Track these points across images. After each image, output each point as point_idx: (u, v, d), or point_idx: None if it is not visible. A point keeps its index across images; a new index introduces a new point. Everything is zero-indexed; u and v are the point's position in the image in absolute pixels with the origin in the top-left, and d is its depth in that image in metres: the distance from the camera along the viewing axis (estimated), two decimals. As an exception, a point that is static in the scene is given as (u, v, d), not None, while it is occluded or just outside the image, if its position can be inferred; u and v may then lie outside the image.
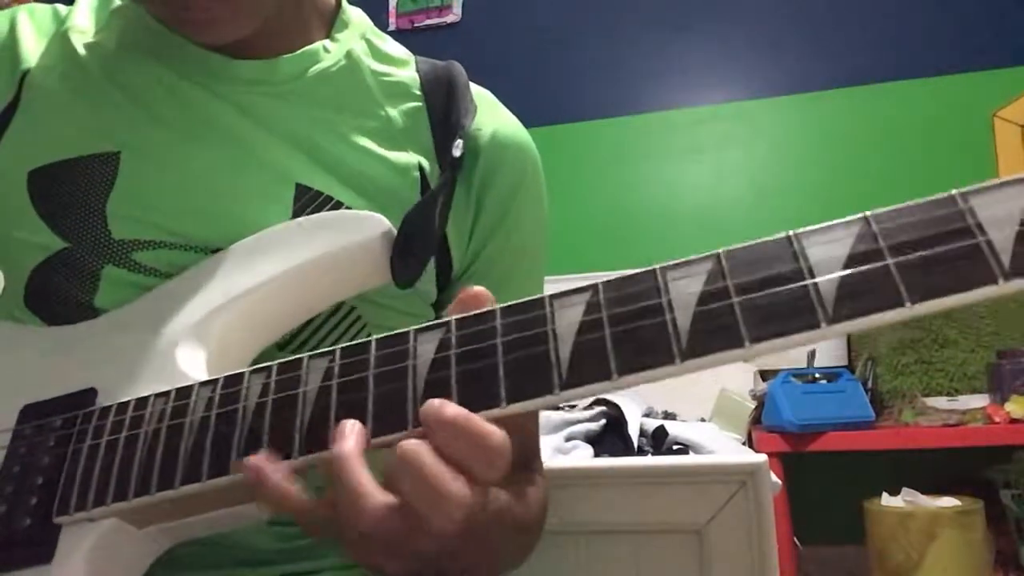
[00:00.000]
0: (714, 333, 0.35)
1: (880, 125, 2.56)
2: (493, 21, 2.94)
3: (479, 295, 0.42)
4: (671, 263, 0.38)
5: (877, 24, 2.61)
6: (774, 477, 0.82)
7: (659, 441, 1.14)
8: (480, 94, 0.68)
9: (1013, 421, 1.98)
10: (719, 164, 2.69)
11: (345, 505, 0.37)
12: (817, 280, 0.35)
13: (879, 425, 2.09)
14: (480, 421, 0.36)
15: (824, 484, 2.26)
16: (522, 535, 0.56)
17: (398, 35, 3.13)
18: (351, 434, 0.38)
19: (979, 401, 2.12)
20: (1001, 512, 2.10)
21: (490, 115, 0.67)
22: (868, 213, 0.36)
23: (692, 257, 0.38)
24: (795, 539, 2.08)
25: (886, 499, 2.04)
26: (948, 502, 1.97)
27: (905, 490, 2.03)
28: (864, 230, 0.35)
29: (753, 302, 0.35)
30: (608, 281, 0.39)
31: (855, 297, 0.34)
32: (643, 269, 0.38)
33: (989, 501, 2.02)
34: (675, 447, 1.12)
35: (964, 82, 2.50)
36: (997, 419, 2.00)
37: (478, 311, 0.41)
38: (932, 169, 2.49)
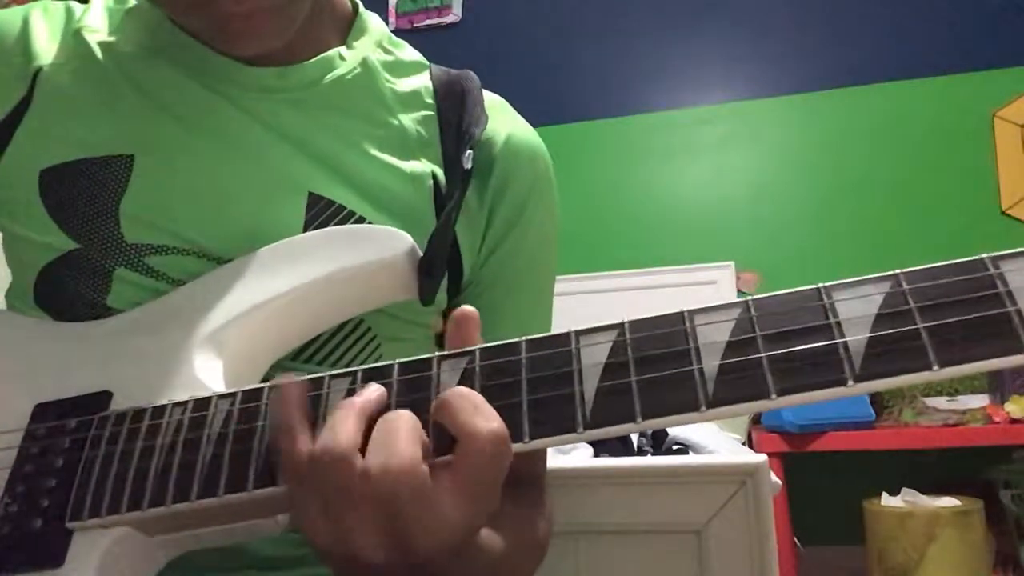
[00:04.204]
0: (741, 384, 0.36)
1: (880, 125, 2.56)
2: (493, 21, 2.94)
3: (470, 316, 0.42)
4: (699, 308, 0.38)
5: (877, 24, 2.61)
6: (774, 477, 0.82)
7: (659, 441, 1.14)
8: (494, 101, 0.67)
9: (1013, 421, 1.98)
10: (719, 164, 2.69)
11: (276, 440, 0.38)
12: (847, 339, 0.35)
13: (879, 425, 2.09)
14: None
15: (824, 484, 2.26)
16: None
17: (397, 35, 3.10)
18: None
19: (979, 401, 2.13)
20: (1001, 512, 2.10)
21: (504, 121, 0.66)
22: (898, 271, 0.36)
23: (720, 303, 0.38)
24: (795, 539, 2.08)
25: (886, 499, 2.04)
26: (948, 502, 1.97)
27: (905, 490, 2.04)
28: (894, 289, 0.36)
29: (781, 356, 0.36)
30: (635, 321, 0.39)
31: (883, 358, 0.34)
32: (671, 312, 0.39)
33: (989, 501, 2.02)
34: (675, 447, 1.12)
35: (964, 82, 2.50)
36: (997, 419, 2.00)
37: (504, 343, 0.41)
38: (932, 169, 2.49)
